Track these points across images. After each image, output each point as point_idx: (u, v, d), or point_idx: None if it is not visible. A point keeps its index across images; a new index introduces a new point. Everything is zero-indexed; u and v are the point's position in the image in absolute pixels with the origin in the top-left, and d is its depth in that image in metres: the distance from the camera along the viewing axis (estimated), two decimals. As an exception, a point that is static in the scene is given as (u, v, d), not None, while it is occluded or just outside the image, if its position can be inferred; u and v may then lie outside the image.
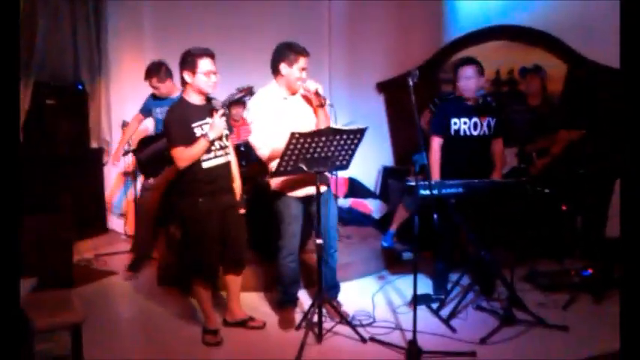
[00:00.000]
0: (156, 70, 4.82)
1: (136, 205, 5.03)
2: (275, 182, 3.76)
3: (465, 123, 4.13)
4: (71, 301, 2.97)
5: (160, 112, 4.95)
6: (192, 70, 3.43)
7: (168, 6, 6.18)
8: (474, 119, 4.13)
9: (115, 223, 6.32)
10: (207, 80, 3.45)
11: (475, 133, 4.16)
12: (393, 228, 4.96)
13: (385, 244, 4.99)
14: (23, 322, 2.44)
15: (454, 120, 4.14)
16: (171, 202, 3.88)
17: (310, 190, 3.70)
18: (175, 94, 4.76)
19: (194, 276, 3.71)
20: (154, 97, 5.00)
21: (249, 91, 4.61)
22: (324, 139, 3.43)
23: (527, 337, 3.70)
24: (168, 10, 6.18)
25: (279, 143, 3.46)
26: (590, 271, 4.46)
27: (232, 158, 3.73)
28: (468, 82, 4.09)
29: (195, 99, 3.53)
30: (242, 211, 3.73)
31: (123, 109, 5.89)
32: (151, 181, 4.92)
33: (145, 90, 5.89)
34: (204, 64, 3.42)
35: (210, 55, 3.47)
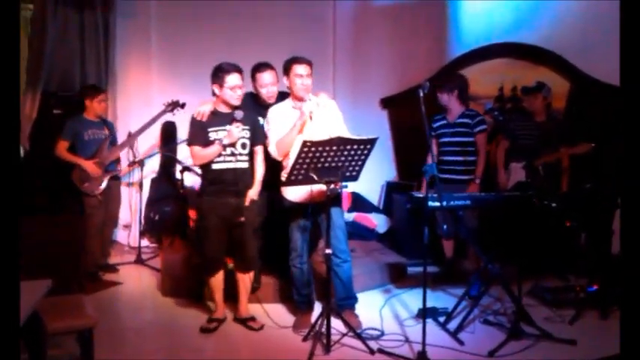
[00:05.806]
0: (98, 89, 5.16)
1: (86, 221, 4.98)
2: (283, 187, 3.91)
3: None
4: (83, 305, 2.98)
5: (92, 133, 5.02)
6: (221, 84, 3.78)
7: (175, 20, 6.26)
8: None
9: (120, 235, 6.28)
10: (233, 94, 3.80)
11: None
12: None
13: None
14: (37, 324, 2.43)
15: None
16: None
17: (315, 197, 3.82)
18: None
19: (201, 271, 4.09)
20: (82, 117, 5.07)
21: (176, 105, 5.15)
22: (334, 148, 3.46)
23: (535, 350, 3.69)
24: (175, 23, 6.26)
25: (282, 135, 3.81)
26: (595, 287, 4.46)
27: (259, 165, 3.94)
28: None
29: (222, 108, 3.89)
30: (242, 218, 3.86)
31: (129, 120, 5.91)
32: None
33: (150, 102, 5.95)
34: (231, 79, 3.77)
35: (239, 71, 3.81)
